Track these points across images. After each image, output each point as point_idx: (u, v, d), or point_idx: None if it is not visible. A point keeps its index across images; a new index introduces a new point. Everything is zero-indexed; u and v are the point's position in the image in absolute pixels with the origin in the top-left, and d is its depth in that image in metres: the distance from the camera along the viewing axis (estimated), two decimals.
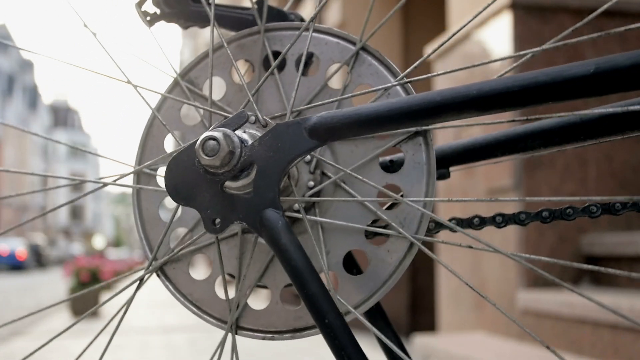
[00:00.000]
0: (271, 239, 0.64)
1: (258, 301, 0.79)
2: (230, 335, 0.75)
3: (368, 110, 0.62)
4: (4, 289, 13.01)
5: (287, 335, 0.74)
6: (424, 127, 0.68)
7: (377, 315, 0.81)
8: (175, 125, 0.79)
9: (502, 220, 0.73)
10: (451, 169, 0.76)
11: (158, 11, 0.79)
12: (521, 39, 2.84)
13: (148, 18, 0.79)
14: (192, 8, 0.78)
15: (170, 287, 0.77)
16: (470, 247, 0.66)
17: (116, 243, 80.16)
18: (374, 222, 0.72)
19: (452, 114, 0.58)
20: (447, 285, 3.42)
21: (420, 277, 4.54)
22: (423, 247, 0.68)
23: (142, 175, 0.79)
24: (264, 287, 0.75)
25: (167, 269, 0.78)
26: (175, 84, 0.79)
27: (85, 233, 68.40)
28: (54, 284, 14.62)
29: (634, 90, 0.54)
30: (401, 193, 0.70)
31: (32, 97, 57.07)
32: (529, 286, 2.71)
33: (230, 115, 0.67)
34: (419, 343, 2.95)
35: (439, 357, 2.70)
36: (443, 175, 0.76)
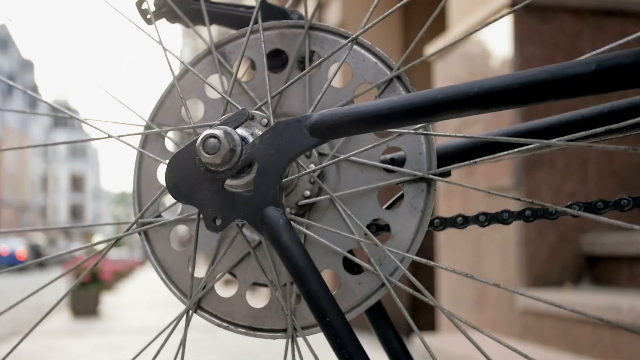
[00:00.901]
0: (272, 237, 0.64)
1: (227, 290, 0.79)
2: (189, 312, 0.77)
3: (369, 108, 0.62)
4: (4, 289, 13.01)
5: (241, 329, 0.75)
6: (432, 177, 0.69)
7: (378, 315, 0.81)
8: (197, 94, 0.78)
9: (485, 219, 0.73)
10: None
11: (156, 9, 0.79)
12: (521, 38, 2.84)
13: (148, 16, 0.79)
14: (192, 6, 0.79)
15: (148, 248, 0.78)
16: (436, 304, 0.66)
17: (116, 243, 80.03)
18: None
19: (453, 112, 0.58)
20: (447, 285, 3.42)
21: (420, 277, 4.52)
22: (393, 293, 0.69)
23: (151, 135, 0.79)
24: (234, 276, 0.76)
25: (150, 231, 0.78)
26: (208, 52, 0.78)
27: (85, 233, 68.40)
28: (54, 284, 14.60)
29: (634, 88, 0.54)
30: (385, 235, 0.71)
31: (32, 97, 57.02)
32: (529, 286, 2.71)
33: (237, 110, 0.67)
34: (419, 343, 2.95)
35: (439, 356, 2.70)
36: (443, 174, 0.76)
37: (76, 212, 68.33)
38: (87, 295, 7.09)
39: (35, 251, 33.11)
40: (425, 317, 4.40)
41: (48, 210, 63.46)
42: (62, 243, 51.84)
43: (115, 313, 7.48)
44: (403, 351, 0.79)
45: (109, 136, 0.78)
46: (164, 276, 0.78)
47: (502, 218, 0.73)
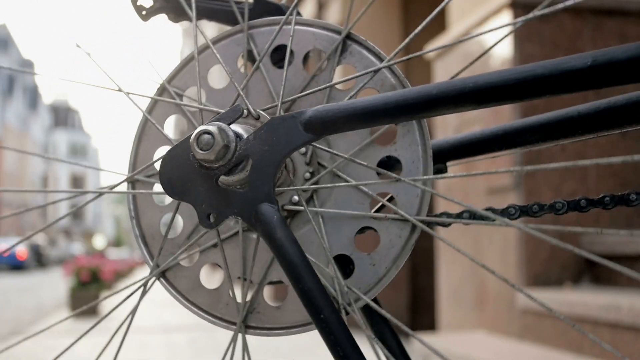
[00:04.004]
0: (266, 234, 0.63)
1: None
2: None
3: (364, 104, 0.61)
4: (5, 288, 13.01)
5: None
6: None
7: (374, 313, 0.81)
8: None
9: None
10: (448, 163, 0.76)
11: (152, 5, 0.79)
12: (521, 37, 2.83)
13: (143, 12, 0.79)
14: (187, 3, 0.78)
15: (173, 291, 0.77)
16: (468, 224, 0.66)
17: (116, 243, 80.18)
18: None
19: (448, 107, 0.58)
20: (447, 285, 3.41)
21: (420, 277, 4.53)
22: (426, 228, 0.67)
23: (137, 183, 0.78)
24: (279, 282, 0.75)
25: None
26: (163, 89, 0.78)
27: (85, 233, 68.45)
28: (54, 284, 14.63)
29: (631, 84, 0.53)
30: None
31: (33, 97, 57.09)
32: (529, 285, 2.71)
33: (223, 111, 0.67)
34: (418, 343, 2.95)
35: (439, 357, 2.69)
36: (440, 170, 0.76)
37: (76, 212, 68.34)
38: (87, 294, 7.09)
39: (36, 251, 33.13)
40: (425, 317, 4.40)
41: (48, 210, 63.46)
42: (63, 243, 51.84)
43: (115, 313, 7.48)
44: (400, 350, 0.79)
45: (101, 194, 0.78)
46: (198, 312, 0.77)
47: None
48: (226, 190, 0.65)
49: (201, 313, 0.76)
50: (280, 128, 0.64)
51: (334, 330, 0.60)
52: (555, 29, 2.87)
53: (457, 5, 3.52)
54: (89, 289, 7.11)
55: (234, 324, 0.74)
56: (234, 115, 0.64)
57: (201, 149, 0.63)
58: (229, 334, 0.76)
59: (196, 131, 0.63)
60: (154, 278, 0.77)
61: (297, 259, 0.62)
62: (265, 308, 0.74)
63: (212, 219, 0.66)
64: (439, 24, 4.05)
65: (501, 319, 2.84)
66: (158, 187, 0.77)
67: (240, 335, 0.73)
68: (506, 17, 2.86)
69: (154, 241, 0.77)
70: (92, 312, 7.06)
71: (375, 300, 0.78)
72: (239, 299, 0.74)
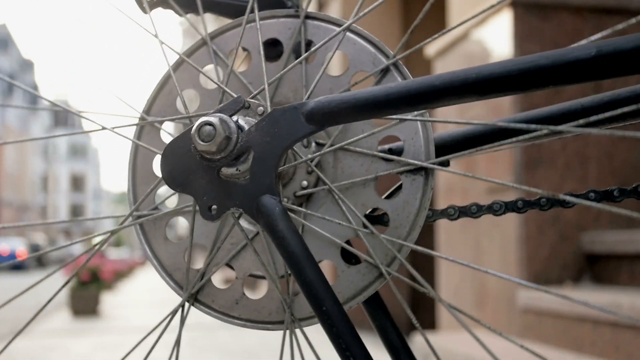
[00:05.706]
0: (268, 226, 0.63)
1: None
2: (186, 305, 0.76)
3: (366, 95, 0.61)
4: (4, 288, 13.00)
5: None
6: (430, 166, 0.67)
7: (376, 307, 0.80)
8: (193, 84, 0.76)
9: (499, 208, 0.72)
10: (451, 157, 0.75)
11: None
12: (521, 37, 2.83)
13: (144, 5, 0.78)
14: None
15: (143, 239, 0.77)
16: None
17: (116, 243, 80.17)
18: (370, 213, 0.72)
19: (451, 98, 0.57)
20: (447, 284, 3.41)
21: (420, 276, 4.52)
22: (391, 282, 0.69)
23: (146, 127, 0.77)
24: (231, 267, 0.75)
25: (146, 225, 0.77)
26: (203, 43, 0.76)
27: (85, 233, 68.44)
28: (54, 284, 14.64)
29: (636, 74, 0.53)
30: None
31: (33, 97, 57.10)
32: None
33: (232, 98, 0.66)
34: (419, 342, 2.95)
35: (440, 355, 2.69)
36: (442, 163, 0.75)
37: (76, 212, 68.35)
38: (87, 294, 7.09)
39: (36, 251, 33.14)
40: (425, 315, 4.39)
41: (48, 210, 63.43)
42: (62, 243, 51.78)
43: (115, 312, 7.48)
44: (401, 343, 0.79)
45: (103, 128, 0.77)
46: (159, 269, 0.77)
47: (516, 207, 0.72)
48: (228, 182, 0.65)
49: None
50: (282, 119, 0.63)
51: (336, 322, 0.60)
52: (555, 28, 2.87)
53: (457, 6, 3.52)
54: (88, 289, 7.11)
55: None
56: (235, 106, 0.64)
57: (202, 141, 0.63)
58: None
59: (197, 122, 0.63)
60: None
61: (298, 250, 0.62)
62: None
63: (213, 211, 0.65)
64: (439, 23, 4.05)
65: (501, 319, 2.84)
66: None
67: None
68: (506, 16, 2.86)
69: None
70: (92, 312, 7.06)
71: (377, 296, 0.77)
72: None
